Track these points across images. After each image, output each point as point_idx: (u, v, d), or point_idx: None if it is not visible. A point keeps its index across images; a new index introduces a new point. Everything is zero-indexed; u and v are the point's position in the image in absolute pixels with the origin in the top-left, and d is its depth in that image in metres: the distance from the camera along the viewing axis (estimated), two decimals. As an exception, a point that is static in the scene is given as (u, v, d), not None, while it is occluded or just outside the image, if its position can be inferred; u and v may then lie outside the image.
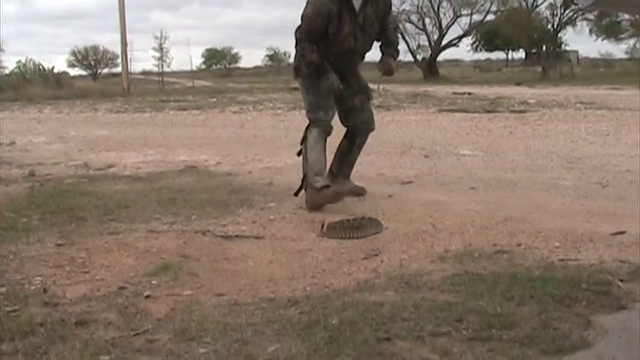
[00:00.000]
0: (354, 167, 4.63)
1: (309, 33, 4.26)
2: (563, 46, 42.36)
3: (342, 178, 4.55)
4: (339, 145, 4.58)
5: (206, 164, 6.29)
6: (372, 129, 4.60)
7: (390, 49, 4.51)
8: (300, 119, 12.05)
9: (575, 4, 32.99)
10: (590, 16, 37.28)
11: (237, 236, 3.59)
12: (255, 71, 57.42)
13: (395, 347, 2.11)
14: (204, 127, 10.37)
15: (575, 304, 2.43)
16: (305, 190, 4.32)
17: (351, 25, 4.23)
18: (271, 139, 8.20)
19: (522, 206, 4.15)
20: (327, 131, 4.40)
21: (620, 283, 2.64)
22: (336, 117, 4.47)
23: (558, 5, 36.76)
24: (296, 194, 4.41)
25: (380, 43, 4.52)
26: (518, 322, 2.26)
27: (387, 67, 4.44)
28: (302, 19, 4.30)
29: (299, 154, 4.48)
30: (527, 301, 2.45)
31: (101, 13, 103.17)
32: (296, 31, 4.37)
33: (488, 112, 12.09)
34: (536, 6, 38.01)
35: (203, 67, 60.93)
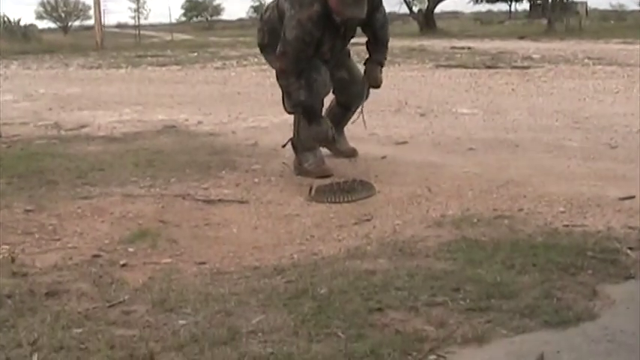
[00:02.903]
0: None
1: (296, 62, 3.91)
2: (570, -3, 42.13)
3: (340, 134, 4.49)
4: (331, 108, 4.46)
5: (186, 124, 6.25)
6: (366, 99, 4.42)
7: (377, 55, 4.30)
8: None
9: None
10: (600, -35, 36.99)
11: (219, 200, 3.59)
12: (240, 24, 56.91)
13: (387, 318, 2.11)
14: (185, 84, 10.29)
15: (580, 272, 2.44)
16: (294, 149, 4.28)
17: (331, 41, 4.03)
18: (256, 97, 8.15)
19: (525, 169, 4.15)
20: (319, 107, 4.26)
21: (628, 251, 2.64)
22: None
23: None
24: (283, 146, 4.38)
25: (366, 40, 4.32)
26: (519, 291, 2.27)
27: (374, 80, 4.30)
28: (283, 45, 3.91)
29: (284, 146, 4.35)
30: (528, 269, 2.46)
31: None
32: (278, 56, 3.95)
33: (489, 67, 12.04)
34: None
35: (183, 19, 60.42)
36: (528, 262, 2.51)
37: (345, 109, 4.48)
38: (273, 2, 4.18)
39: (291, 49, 3.89)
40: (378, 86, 4.38)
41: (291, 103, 4.06)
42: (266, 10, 4.29)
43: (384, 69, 4.40)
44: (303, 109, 4.07)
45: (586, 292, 2.28)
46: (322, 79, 4.05)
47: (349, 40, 4.25)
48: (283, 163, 4.34)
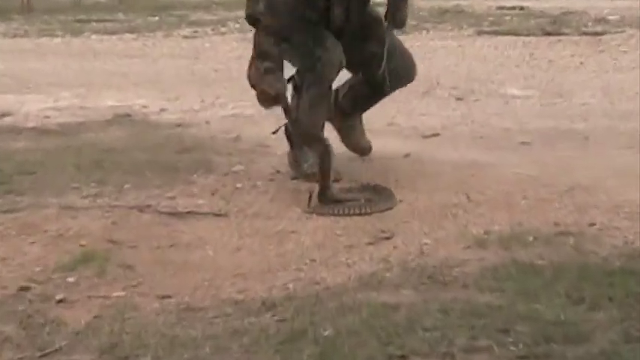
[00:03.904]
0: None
1: (289, 23, 3.96)
2: None
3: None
4: (352, 85, 4.41)
5: (145, 112, 6.25)
6: (412, 78, 4.37)
7: None
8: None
9: None
10: None
11: (189, 213, 3.60)
12: (215, -23, 57.05)
13: (413, 369, 2.13)
14: (142, 59, 10.29)
15: (671, 307, 2.45)
16: (288, 141, 4.29)
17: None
18: (238, 76, 8.12)
19: (596, 169, 4.16)
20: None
21: None
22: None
23: None
24: (274, 133, 4.34)
25: None
26: (590, 333, 2.28)
27: (399, 19, 4.23)
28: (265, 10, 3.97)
29: (275, 133, 4.36)
30: (602, 303, 2.47)
31: None
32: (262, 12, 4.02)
33: (549, 34, 12.01)
34: None
35: (139, -30, 60.53)
36: (602, 294, 2.52)
37: (376, 91, 4.40)
38: None
39: (273, 15, 3.91)
40: (402, 26, 4.35)
41: (270, 92, 4.01)
42: None
43: (409, 39, 4.39)
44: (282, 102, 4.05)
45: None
46: (328, 57, 4.01)
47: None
48: (278, 171, 4.33)
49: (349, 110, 4.39)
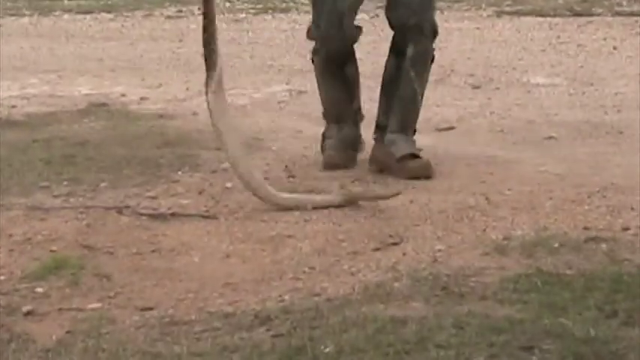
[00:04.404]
0: (418, 113, 4.47)
1: None
2: None
3: (398, 133, 4.38)
4: (384, 70, 4.51)
5: (123, 100, 6.27)
6: (426, 27, 4.35)
7: None
8: (273, 27, 11.97)
9: None
10: None
11: (173, 215, 3.61)
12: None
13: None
14: (120, 42, 10.31)
15: None
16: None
17: None
18: (228, 61, 8.15)
19: (632, 167, 4.16)
20: (330, 52, 4.42)
21: None
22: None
23: None
24: None
25: None
26: (625, 351, 2.28)
27: None
28: None
29: None
30: (638, 318, 2.47)
31: None
32: None
33: (578, 15, 12.04)
34: None
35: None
36: (638, 308, 2.53)
37: (396, 56, 4.44)
38: None
39: None
40: None
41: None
42: None
43: None
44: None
45: None
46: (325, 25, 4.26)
47: None
48: (286, 167, 4.33)
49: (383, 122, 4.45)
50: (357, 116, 4.54)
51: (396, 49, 4.42)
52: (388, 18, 4.43)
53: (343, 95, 4.51)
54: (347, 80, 4.50)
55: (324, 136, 4.46)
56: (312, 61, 4.55)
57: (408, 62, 4.33)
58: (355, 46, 4.45)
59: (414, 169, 4.16)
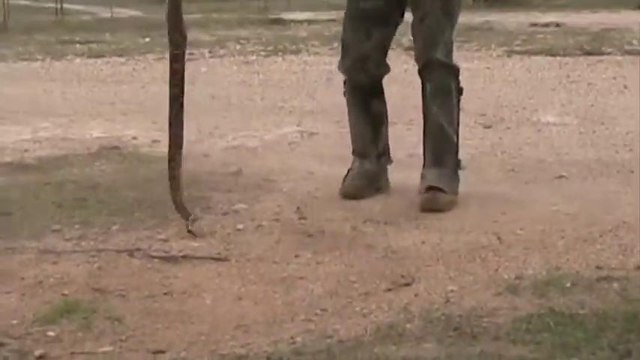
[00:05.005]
0: (453, 144, 4.51)
1: None
2: None
3: (431, 167, 4.43)
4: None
5: (135, 143, 6.29)
6: (435, 62, 4.43)
7: None
8: (284, 69, 12.00)
9: None
10: None
11: (184, 257, 3.61)
12: (212, -7, 57.34)
13: None
14: (132, 85, 10.35)
15: None
16: None
17: None
18: (239, 103, 8.21)
19: (644, 205, 4.16)
20: (356, 83, 4.58)
21: None
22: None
23: None
24: None
25: None
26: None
27: None
28: None
29: None
30: (651, 357, 2.46)
31: None
32: None
33: (589, 54, 12.09)
34: None
35: (128, -14, 60.93)
36: (651, 347, 2.52)
37: (423, 92, 4.52)
38: None
39: None
40: None
41: None
42: None
43: None
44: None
45: None
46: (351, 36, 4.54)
47: None
48: (297, 208, 4.33)
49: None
50: (381, 154, 4.62)
51: (421, 85, 4.52)
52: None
53: (367, 131, 4.63)
54: (372, 116, 4.63)
55: (349, 169, 4.58)
56: (344, 95, 4.70)
57: (429, 98, 4.44)
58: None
59: (426, 202, 4.26)
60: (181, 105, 4.35)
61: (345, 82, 4.67)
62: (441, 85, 4.43)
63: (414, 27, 4.45)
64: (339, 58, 4.66)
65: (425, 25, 4.41)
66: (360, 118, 4.62)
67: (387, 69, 4.59)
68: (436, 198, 4.25)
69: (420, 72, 4.48)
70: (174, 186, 4.09)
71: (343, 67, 4.61)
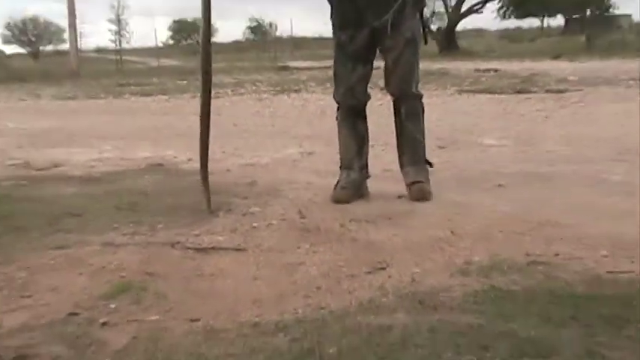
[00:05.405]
0: (424, 148, 4.76)
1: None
2: (611, 9, 42.31)
3: (410, 166, 4.67)
4: (394, 125, 4.76)
5: (175, 161, 6.29)
6: (410, 94, 4.63)
7: None
8: (289, 104, 12.06)
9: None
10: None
11: (212, 248, 3.59)
12: (235, 46, 57.29)
13: (407, 381, 2.11)
14: (173, 116, 10.39)
15: (627, 326, 2.43)
16: None
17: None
18: (254, 129, 8.22)
19: (561, 207, 4.17)
20: (348, 107, 4.66)
21: (681, 300, 2.65)
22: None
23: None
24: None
25: None
26: (558, 348, 2.26)
27: None
28: None
29: None
30: (568, 323, 2.45)
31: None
32: None
33: (520, 92, 12.14)
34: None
35: (170, 42, 60.88)
36: (568, 315, 2.51)
37: (396, 113, 4.70)
38: None
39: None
40: None
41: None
42: None
43: None
44: None
45: (635, 349, 2.28)
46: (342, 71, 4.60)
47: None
48: (299, 211, 4.33)
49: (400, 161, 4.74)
50: (363, 167, 4.68)
51: (395, 110, 4.68)
52: (387, 90, 4.68)
53: (353, 146, 4.68)
54: (357, 134, 4.70)
55: (337, 180, 4.63)
56: (337, 119, 4.75)
57: (404, 118, 4.65)
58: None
59: (416, 192, 4.51)
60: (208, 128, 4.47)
61: (337, 108, 4.70)
62: (413, 109, 4.63)
63: (389, 68, 4.55)
64: (332, 94, 4.72)
65: (399, 68, 4.52)
66: (348, 136, 4.67)
67: (369, 96, 4.68)
68: (421, 189, 4.50)
69: (395, 101, 4.63)
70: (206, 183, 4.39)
71: (337, 95, 4.67)
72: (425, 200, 4.43)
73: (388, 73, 4.58)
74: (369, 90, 4.66)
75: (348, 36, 4.51)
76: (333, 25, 4.61)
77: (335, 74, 4.68)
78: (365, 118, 4.70)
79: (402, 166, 4.71)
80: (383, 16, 4.41)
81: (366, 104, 4.67)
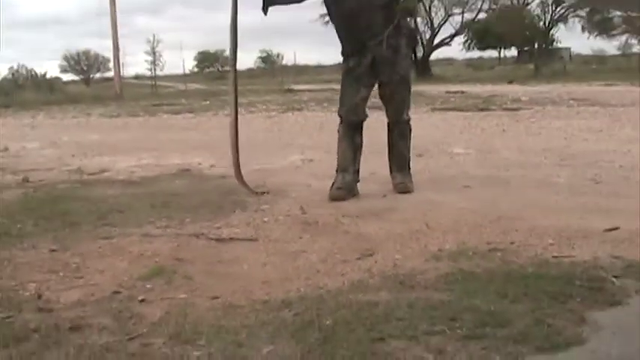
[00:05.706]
0: (409, 161, 4.86)
1: None
2: (555, 43, 42.32)
3: (397, 172, 4.80)
4: (387, 141, 4.86)
5: (200, 167, 6.28)
6: (401, 120, 4.75)
7: None
8: (293, 120, 12.07)
9: (564, 1, 33.10)
10: (582, 13, 37.41)
11: (230, 239, 3.59)
12: (249, 74, 57.26)
13: (389, 347, 2.11)
14: (198, 130, 10.36)
15: (569, 300, 2.43)
16: None
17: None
18: (264, 142, 8.20)
19: (516, 204, 4.16)
20: (349, 122, 4.68)
21: (614, 279, 2.64)
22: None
23: (549, 2, 36.85)
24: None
25: None
26: (512, 319, 2.26)
27: None
28: None
29: None
30: (521, 298, 2.45)
31: (79, 20, 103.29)
32: None
33: (481, 110, 12.12)
34: (527, 4, 38.13)
35: (196, 70, 60.77)
36: (520, 292, 2.51)
37: (389, 132, 4.83)
38: None
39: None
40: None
41: None
42: None
43: (383, 114, 4.78)
44: None
45: (575, 319, 2.28)
46: (349, 91, 4.67)
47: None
48: (301, 207, 4.32)
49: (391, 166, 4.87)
50: (356, 171, 4.70)
51: (389, 130, 4.81)
52: (385, 114, 4.81)
53: (350, 153, 4.70)
54: (354, 144, 4.73)
55: (333, 182, 4.62)
56: (338, 131, 4.74)
57: (396, 138, 4.80)
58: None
59: (401, 188, 4.67)
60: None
61: (340, 122, 4.73)
62: (403, 131, 4.80)
63: (385, 97, 4.69)
64: (329, 113, 4.76)
65: (395, 100, 4.69)
66: (347, 145, 4.70)
67: (367, 115, 4.72)
68: (405, 186, 4.67)
69: (390, 124, 4.78)
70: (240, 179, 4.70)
71: (342, 111, 4.73)
72: (408, 193, 4.61)
73: (385, 102, 4.72)
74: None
75: (355, 62, 4.56)
76: (343, 54, 4.67)
77: (342, 94, 4.73)
78: (362, 131, 4.72)
79: (391, 171, 4.83)
80: (382, 48, 4.47)
81: (364, 121, 4.71)
